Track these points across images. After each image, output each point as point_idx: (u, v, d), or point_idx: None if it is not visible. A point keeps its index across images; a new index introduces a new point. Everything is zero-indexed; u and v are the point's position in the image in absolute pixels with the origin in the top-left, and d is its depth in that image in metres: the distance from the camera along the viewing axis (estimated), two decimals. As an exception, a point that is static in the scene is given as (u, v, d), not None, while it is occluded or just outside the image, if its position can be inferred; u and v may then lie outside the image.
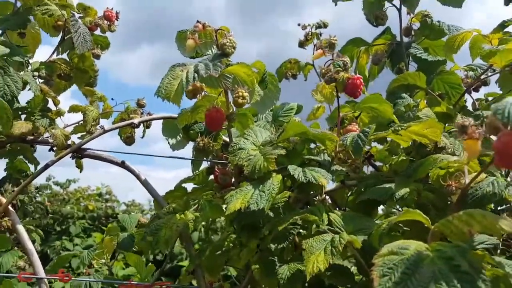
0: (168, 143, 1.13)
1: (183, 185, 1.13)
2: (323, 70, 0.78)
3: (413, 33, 1.12)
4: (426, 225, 0.50)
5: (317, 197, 0.78)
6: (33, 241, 1.08)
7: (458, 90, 1.00)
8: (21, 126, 0.90)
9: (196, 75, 0.59)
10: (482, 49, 0.79)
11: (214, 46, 0.84)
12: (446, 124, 0.90)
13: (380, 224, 0.56)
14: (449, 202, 0.69)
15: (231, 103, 0.77)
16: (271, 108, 0.92)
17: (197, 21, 0.73)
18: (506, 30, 1.05)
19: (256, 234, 0.83)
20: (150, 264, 1.17)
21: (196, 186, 1.13)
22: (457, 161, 0.61)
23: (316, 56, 0.80)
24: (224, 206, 0.80)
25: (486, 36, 0.87)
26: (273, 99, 0.87)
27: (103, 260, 1.30)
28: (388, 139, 0.99)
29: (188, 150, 1.24)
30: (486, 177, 0.67)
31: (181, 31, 0.78)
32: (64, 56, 1.20)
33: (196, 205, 0.80)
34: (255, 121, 0.99)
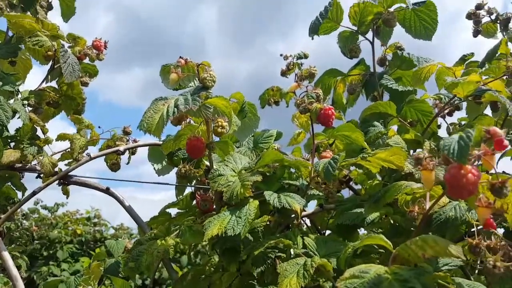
0: (154, 168, 1.17)
1: (168, 210, 1.16)
2: (298, 101, 0.83)
3: (387, 63, 1.19)
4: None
5: (294, 222, 0.81)
6: (19, 267, 1.09)
7: (429, 117, 1.06)
8: (9, 155, 0.93)
9: (176, 109, 0.63)
10: (445, 80, 0.85)
11: (196, 79, 0.89)
12: (416, 150, 0.96)
13: (346, 249, 0.60)
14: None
15: (212, 132, 0.82)
16: (251, 135, 0.97)
17: (180, 57, 0.78)
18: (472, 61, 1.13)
19: (236, 257, 0.85)
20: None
21: (180, 211, 1.16)
22: (419, 188, 0.66)
23: (292, 89, 0.86)
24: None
25: (450, 68, 0.94)
26: (252, 127, 0.91)
27: (90, 287, 1.31)
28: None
29: (173, 175, 1.28)
30: (449, 202, 0.71)
31: (165, 65, 0.82)
32: (53, 83, 1.24)
33: (178, 231, 0.83)
34: (237, 147, 1.03)
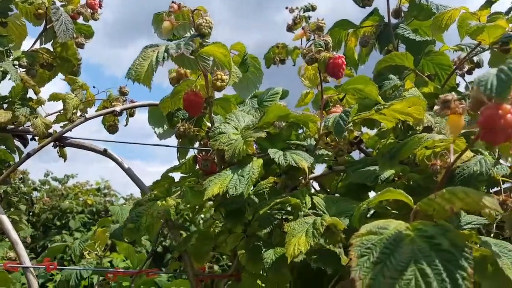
0: (155, 132, 1.12)
1: (171, 174, 1.12)
2: (305, 51, 0.75)
3: (402, 14, 1.09)
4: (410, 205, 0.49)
5: (301, 181, 0.76)
6: (19, 233, 1.07)
7: (448, 71, 0.98)
8: (0, 115, 0.88)
9: (166, 54, 0.57)
10: (469, 26, 0.76)
11: (192, 28, 0.82)
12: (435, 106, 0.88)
13: (361, 205, 0.55)
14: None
15: (211, 87, 0.75)
16: (254, 92, 0.90)
17: (172, 1, 0.71)
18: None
19: (241, 219, 0.81)
20: (141, 253, 1.16)
21: (183, 175, 1.12)
22: (442, 140, 0.59)
23: (297, 37, 0.78)
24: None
25: (474, 13, 0.84)
26: (256, 83, 0.85)
27: (96, 252, 1.30)
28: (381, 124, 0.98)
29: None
30: (474, 156, 0.65)
31: (157, 13, 0.75)
32: (48, 46, 1.18)
33: (179, 192, 0.79)
34: (241, 108, 0.97)
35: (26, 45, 1.19)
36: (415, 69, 0.90)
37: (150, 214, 0.73)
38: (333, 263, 0.79)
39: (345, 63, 0.73)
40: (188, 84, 0.78)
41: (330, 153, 0.86)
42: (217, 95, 0.83)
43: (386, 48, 1.03)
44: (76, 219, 4.34)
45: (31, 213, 4.28)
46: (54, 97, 0.93)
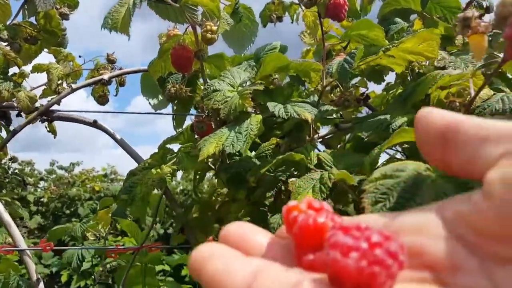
0: (149, 103, 1.06)
1: (168, 146, 1.06)
2: (302, -6, 0.68)
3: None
4: None
5: (307, 137, 0.71)
6: (21, 218, 1.04)
7: (457, 13, 0.90)
8: (-19, 91, 0.83)
9: (143, -6, 0.50)
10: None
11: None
12: (446, 49, 0.81)
13: (372, 152, 0.49)
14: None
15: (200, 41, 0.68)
16: (249, 46, 0.83)
17: None
18: None
19: (243, 184, 0.76)
20: (145, 230, 1.13)
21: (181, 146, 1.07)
22: (460, 75, 0.53)
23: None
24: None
25: None
26: (250, 36, 0.78)
27: (97, 234, 1.27)
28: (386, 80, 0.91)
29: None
30: (494, 94, 0.58)
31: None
32: (32, 20, 1.11)
33: (174, 159, 0.74)
34: (237, 67, 0.90)
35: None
36: (422, 11, 0.82)
37: (144, 183, 0.68)
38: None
39: (347, 3, 0.65)
40: (175, 41, 0.71)
41: (334, 108, 0.80)
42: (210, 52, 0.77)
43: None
44: (85, 206, 4.36)
45: (39, 203, 4.31)
46: (37, 68, 0.88)
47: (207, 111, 0.77)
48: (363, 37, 0.73)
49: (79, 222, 1.17)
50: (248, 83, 0.72)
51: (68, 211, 4.31)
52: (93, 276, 3.05)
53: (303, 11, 0.83)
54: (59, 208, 4.27)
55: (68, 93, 0.85)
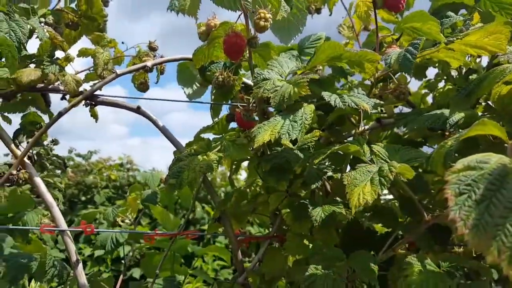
0: (184, 92, 1.06)
1: (203, 136, 1.06)
2: (358, -17, 0.67)
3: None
4: (501, 141, 0.42)
5: (355, 130, 0.70)
6: (56, 199, 1.06)
7: (509, 11, 0.87)
8: (29, 73, 0.84)
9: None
10: None
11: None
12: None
13: (443, 144, 0.48)
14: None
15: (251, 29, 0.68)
16: (296, 36, 0.82)
17: None
18: None
19: (285, 176, 0.76)
20: (175, 217, 1.13)
21: (216, 136, 1.07)
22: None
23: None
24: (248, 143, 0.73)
25: None
26: (298, 26, 0.77)
27: (127, 220, 1.28)
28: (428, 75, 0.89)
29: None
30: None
31: None
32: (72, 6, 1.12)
33: (219, 147, 0.74)
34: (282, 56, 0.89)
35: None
36: (475, 6, 0.80)
37: (192, 169, 0.68)
38: (389, 221, 0.74)
39: (406, -6, 0.64)
40: (225, 29, 0.71)
41: (381, 102, 0.79)
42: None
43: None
44: (101, 194, 4.43)
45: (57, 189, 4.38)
46: (83, 52, 0.88)
47: (253, 100, 0.77)
48: (416, 30, 0.72)
49: (111, 207, 1.18)
50: (297, 72, 0.71)
51: (84, 198, 4.39)
52: (105, 263, 3.09)
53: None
54: (76, 195, 4.35)
55: (113, 78, 0.85)
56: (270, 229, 0.91)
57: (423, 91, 1.05)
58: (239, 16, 0.67)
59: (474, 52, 0.60)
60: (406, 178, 0.55)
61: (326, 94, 0.60)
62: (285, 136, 0.56)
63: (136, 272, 2.57)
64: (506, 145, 0.41)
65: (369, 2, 0.67)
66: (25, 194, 1.19)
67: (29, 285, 0.94)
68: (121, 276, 1.04)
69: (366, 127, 0.92)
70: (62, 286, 0.89)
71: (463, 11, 0.88)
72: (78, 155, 4.88)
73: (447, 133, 0.80)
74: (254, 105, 0.73)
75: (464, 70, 0.82)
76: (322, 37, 0.83)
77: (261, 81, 0.68)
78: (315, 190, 0.88)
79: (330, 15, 1.16)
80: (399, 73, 0.78)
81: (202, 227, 3.72)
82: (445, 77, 0.88)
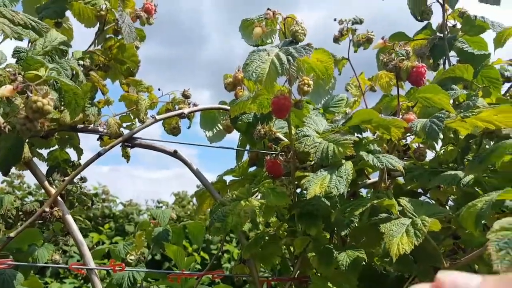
0: (206, 135, 1.13)
1: (224, 177, 1.13)
2: (385, 59, 0.79)
3: (447, 29, 1.14)
4: None
5: (382, 184, 0.79)
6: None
7: (496, 84, 1.03)
8: (72, 114, 0.89)
9: (290, 58, 0.59)
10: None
11: (275, 35, 0.85)
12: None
13: (473, 204, 0.58)
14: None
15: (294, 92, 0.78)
16: (325, 98, 0.93)
17: (268, 9, 0.74)
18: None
19: (315, 222, 0.83)
20: (189, 256, 1.16)
21: (234, 178, 1.14)
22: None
23: (378, 46, 0.82)
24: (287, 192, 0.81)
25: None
26: (328, 89, 0.88)
27: (133, 257, 1.29)
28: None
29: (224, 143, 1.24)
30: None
31: (246, 19, 0.78)
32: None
33: (258, 193, 0.81)
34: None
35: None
36: (473, 81, 0.95)
37: (236, 214, 0.75)
38: (408, 268, 0.82)
39: (427, 72, 0.77)
40: (272, 91, 0.80)
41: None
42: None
43: (437, 62, 1.08)
44: (74, 225, 4.23)
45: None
46: (125, 98, 0.95)
47: (284, 152, 0.85)
48: (427, 100, 0.84)
49: (123, 242, 1.19)
50: (333, 130, 0.81)
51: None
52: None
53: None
54: (88, 224, 4.13)
55: (152, 123, 0.92)
56: (276, 270, 0.97)
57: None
58: (285, 81, 0.77)
59: (482, 125, 0.73)
60: (435, 229, 0.64)
61: (364, 154, 0.70)
62: (334, 190, 0.65)
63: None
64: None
65: (391, 75, 0.80)
66: (33, 228, 1.18)
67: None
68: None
69: (374, 179, 1.02)
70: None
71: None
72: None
73: (442, 187, 0.92)
74: (291, 156, 0.82)
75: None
76: (344, 99, 0.95)
77: (302, 137, 0.77)
78: (333, 236, 0.96)
79: (340, 74, 1.30)
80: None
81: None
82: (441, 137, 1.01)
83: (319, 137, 0.78)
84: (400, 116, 0.86)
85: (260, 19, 0.75)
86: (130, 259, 1.22)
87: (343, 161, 0.72)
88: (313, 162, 0.83)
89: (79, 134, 1.04)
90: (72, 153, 1.08)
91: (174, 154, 0.92)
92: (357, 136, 1.02)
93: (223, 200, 0.78)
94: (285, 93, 0.77)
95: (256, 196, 0.80)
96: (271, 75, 0.58)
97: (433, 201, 0.93)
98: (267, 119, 0.96)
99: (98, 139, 0.94)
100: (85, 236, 4.43)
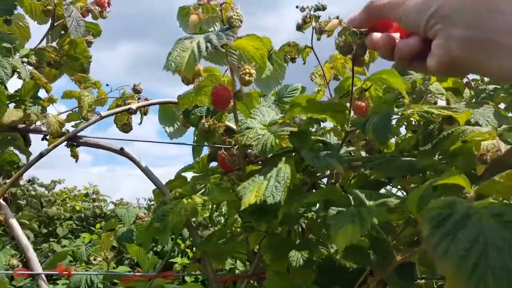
0: (166, 131, 1.09)
1: (183, 174, 1.09)
2: (341, 43, 0.74)
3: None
4: (465, 190, 0.48)
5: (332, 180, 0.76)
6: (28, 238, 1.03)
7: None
8: (11, 114, 0.85)
9: (209, 44, 0.55)
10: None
11: (217, 23, 0.81)
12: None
13: (418, 189, 0.54)
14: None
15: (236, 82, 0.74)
16: (275, 88, 0.89)
17: (201, -6, 0.69)
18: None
19: (265, 217, 0.80)
20: (152, 256, 1.13)
21: (195, 174, 1.10)
22: (487, 133, 0.60)
23: (332, 27, 0.78)
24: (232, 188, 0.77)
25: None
26: (278, 78, 0.84)
27: (99, 258, 1.26)
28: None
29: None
30: None
31: (182, 7, 0.74)
32: (53, 44, 1.14)
33: (203, 190, 0.77)
34: (262, 104, 0.95)
35: (29, 46, 1.15)
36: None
37: (177, 213, 0.71)
38: (362, 260, 0.79)
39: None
40: (211, 80, 0.76)
41: (350, 149, 0.86)
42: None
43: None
44: (64, 226, 4.21)
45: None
46: (68, 94, 0.90)
47: (236, 146, 0.81)
48: (383, 80, 0.80)
49: (84, 245, 1.16)
50: (276, 121, 0.77)
51: (45, 231, 4.15)
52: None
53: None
54: (37, 227, 4.10)
55: (97, 120, 0.88)
56: (247, 265, 0.94)
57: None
58: (226, 70, 0.73)
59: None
60: (381, 220, 0.61)
61: (304, 154, 0.66)
62: (270, 199, 0.60)
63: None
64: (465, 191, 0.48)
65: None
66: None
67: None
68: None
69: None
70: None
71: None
72: (41, 185, 4.65)
73: (407, 176, 0.89)
74: (237, 150, 0.78)
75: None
76: (298, 88, 0.90)
77: (245, 129, 0.73)
78: (302, 232, 0.93)
79: (304, 63, 1.25)
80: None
81: (170, 260, 3.62)
82: (405, 123, 0.97)
83: (264, 129, 0.74)
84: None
85: (196, 6, 0.71)
86: (94, 260, 1.19)
87: (283, 160, 0.68)
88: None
89: (32, 135, 1.00)
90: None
91: (121, 152, 0.88)
92: (318, 126, 0.99)
93: (165, 198, 0.75)
94: (224, 84, 0.73)
95: (202, 192, 0.77)
96: (190, 63, 0.54)
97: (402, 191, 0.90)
98: (221, 112, 0.92)
99: (42, 139, 0.90)
100: (76, 236, 4.41)
